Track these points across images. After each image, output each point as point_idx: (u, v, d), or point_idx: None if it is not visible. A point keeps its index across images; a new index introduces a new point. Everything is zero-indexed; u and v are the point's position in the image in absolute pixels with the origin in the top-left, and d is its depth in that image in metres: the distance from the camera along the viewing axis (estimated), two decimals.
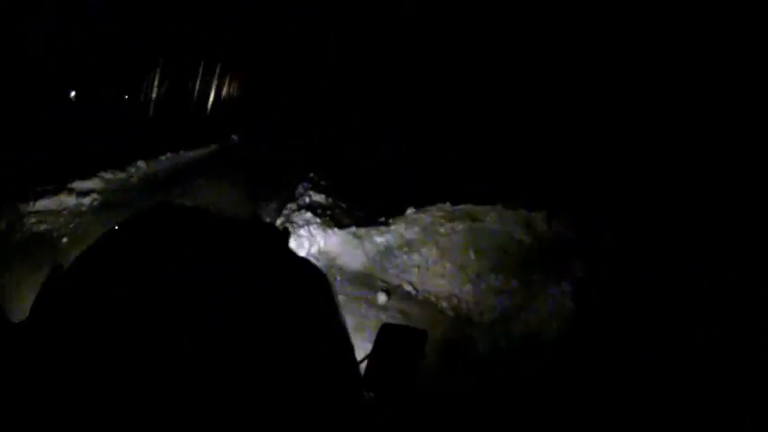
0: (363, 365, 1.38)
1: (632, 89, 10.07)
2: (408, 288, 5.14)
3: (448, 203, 6.18)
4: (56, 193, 6.49)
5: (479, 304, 5.00)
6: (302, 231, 5.55)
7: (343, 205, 7.08)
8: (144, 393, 0.96)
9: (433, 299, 5.02)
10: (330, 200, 7.08)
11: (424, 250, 5.53)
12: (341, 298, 4.64)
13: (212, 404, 0.98)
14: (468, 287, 5.21)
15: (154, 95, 15.38)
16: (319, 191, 7.28)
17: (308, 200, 6.82)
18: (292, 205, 6.70)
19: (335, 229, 5.75)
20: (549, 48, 11.76)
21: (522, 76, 12.08)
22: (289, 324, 1.21)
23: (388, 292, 4.79)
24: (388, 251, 5.59)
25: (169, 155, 10.42)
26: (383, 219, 6.32)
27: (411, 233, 5.77)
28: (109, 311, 1.10)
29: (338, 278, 5.01)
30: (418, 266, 5.37)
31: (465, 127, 12.04)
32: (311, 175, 8.64)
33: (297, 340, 1.18)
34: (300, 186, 7.67)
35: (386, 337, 1.39)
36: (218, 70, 19.22)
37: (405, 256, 5.49)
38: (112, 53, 12.84)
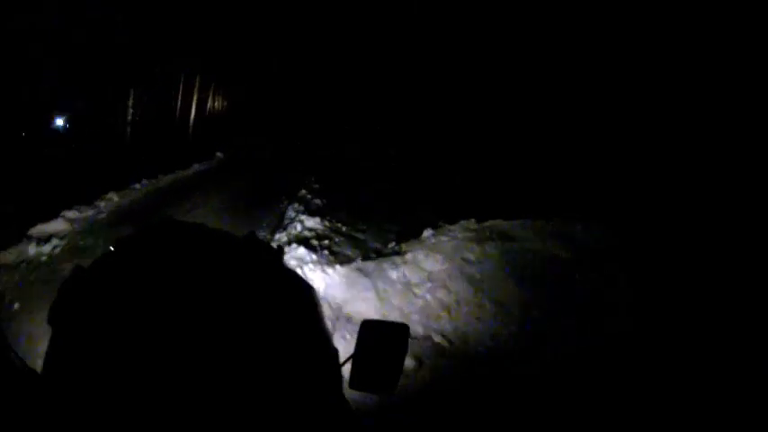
0: (348, 366, 1.37)
1: (638, 92, 9.61)
2: (438, 339, 3.94)
3: (473, 220, 4.98)
4: (15, 242, 5.47)
5: (535, 356, 3.81)
6: None
7: (344, 229, 5.88)
8: (132, 401, 1.02)
9: (472, 352, 3.82)
10: (326, 223, 5.88)
11: (452, 285, 4.33)
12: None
13: (196, 408, 1.02)
14: (514, 330, 4.01)
15: (129, 116, 14.18)
16: (312, 213, 6.09)
17: (299, 227, 5.61)
18: (281, 235, 5.51)
19: (337, 267, 4.54)
20: (554, 50, 11.23)
21: (536, 75, 11.43)
22: (272, 330, 1.20)
23: (418, 359, 3.58)
24: (406, 289, 4.39)
25: (145, 182, 9.43)
26: (394, 244, 5.13)
27: (432, 263, 4.57)
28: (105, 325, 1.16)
29: (348, 338, 3.80)
30: (447, 308, 4.17)
31: (481, 127, 11.19)
32: (302, 192, 7.45)
33: (279, 346, 1.18)
34: (290, 209, 6.48)
35: (368, 334, 1.37)
36: (197, 83, 18.06)
37: (428, 295, 4.28)
38: (79, 65, 11.74)
